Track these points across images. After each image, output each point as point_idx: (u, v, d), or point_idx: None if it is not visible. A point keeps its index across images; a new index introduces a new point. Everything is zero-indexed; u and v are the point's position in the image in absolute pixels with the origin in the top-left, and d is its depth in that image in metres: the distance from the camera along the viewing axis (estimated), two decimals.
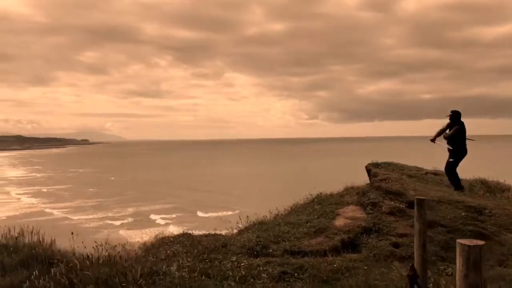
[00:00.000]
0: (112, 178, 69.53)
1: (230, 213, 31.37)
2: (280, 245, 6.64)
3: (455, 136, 9.88)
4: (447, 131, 10.10)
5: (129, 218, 35.56)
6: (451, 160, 10.00)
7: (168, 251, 6.73)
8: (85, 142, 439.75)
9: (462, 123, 10.03)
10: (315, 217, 7.63)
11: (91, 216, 37.26)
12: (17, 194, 52.72)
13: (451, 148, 9.94)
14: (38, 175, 77.37)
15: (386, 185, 8.23)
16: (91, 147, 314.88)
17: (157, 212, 37.31)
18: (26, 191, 54.78)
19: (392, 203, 7.61)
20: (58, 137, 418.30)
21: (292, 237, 6.94)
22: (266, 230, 7.37)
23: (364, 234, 6.88)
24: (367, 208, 7.65)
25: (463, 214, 7.41)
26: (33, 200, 47.59)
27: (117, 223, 34.01)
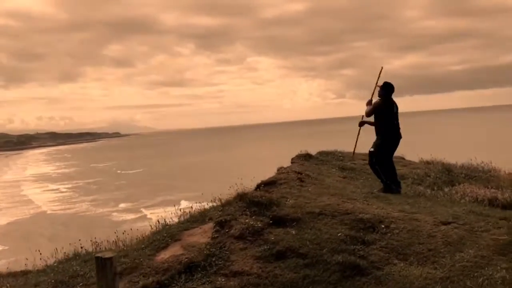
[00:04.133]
0: (141, 169, 69.46)
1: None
2: None
3: (378, 115, 7.64)
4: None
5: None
6: (370, 149, 7.79)
7: None
8: (116, 134, 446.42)
9: (390, 100, 7.78)
10: (143, 246, 5.55)
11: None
12: (55, 188, 54.17)
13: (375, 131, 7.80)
14: (72, 169, 78.97)
15: (256, 193, 6.07)
16: (122, 139, 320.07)
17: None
18: (64, 185, 56.66)
19: (249, 220, 5.48)
20: (90, 131, 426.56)
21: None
22: None
23: (184, 275, 4.79)
24: (214, 230, 5.54)
25: (342, 234, 5.21)
26: (66, 194, 48.79)
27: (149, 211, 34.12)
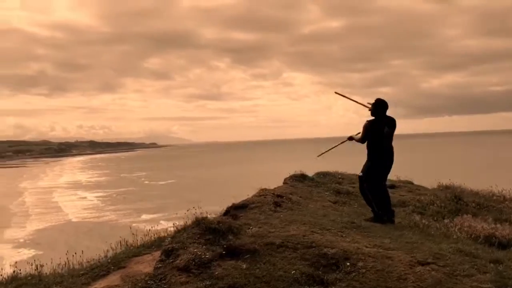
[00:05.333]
0: (170, 181, 69.93)
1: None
2: None
3: (369, 136, 6.91)
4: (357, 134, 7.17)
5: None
6: (359, 174, 7.07)
7: None
8: (153, 145, 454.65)
9: (388, 117, 7.03)
10: (82, 272, 5.08)
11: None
12: (83, 196, 55.70)
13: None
14: (106, 178, 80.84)
15: (213, 219, 5.52)
16: (157, 150, 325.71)
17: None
18: (93, 193, 58.21)
19: (198, 250, 4.92)
20: (127, 141, 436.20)
21: None
22: None
23: None
24: (159, 259, 5.01)
25: (296, 272, 4.58)
26: (93, 202, 49.77)
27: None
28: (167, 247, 5.09)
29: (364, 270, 4.69)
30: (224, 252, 4.96)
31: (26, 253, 28.63)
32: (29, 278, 4.81)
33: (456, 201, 8.99)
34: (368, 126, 6.84)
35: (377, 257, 4.93)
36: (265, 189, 7.39)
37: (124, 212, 43.88)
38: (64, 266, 5.64)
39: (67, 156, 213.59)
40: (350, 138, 7.28)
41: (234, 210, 6.22)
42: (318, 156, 7.85)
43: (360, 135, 7.08)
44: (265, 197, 6.73)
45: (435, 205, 8.54)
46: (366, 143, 6.99)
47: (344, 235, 5.56)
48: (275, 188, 8.01)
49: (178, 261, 4.83)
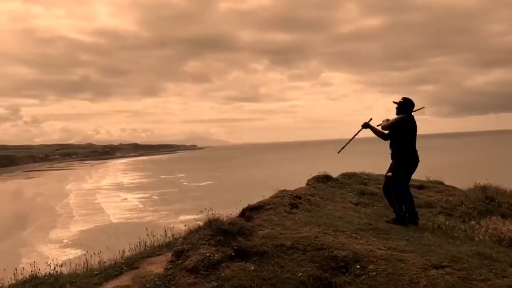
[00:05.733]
0: (208, 182, 70.82)
1: None
2: None
3: (397, 131, 6.69)
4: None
5: None
6: (389, 174, 6.86)
7: None
8: (193, 147, 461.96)
9: (412, 118, 6.84)
10: (96, 272, 5.22)
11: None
12: (125, 198, 57.93)
13: (391, 152, 6.82)
14: (147, 180, 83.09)
15: (225, 221, 5.54)
16: (196, 152, 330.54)
17: None
18: (134, 195, 60.05)
19: (208, 251, 4.95)
20: (169, 143, 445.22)
21: None
22: None
23: None
24: (169, 260, 5.08)
25: (304, 275, 4.53)
26: (133, 204, 51.30)
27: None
28: (178, 248, 5.16)
29: (374, 273, 4.58)
30: (233, 254, 4.97)
31: (68, 253, 29.71)
32: (46, 277, 5.00)
33: (487, 202, 8.61)
34: (408, 122, 6.61)
35: (390, 259, 4.80)
36: (284, 190, 7.34)
37: (163, 214, 44.78)
38: (83, 266, 5.82)
39: (111, 158, 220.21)
40: (365, 126, 7.00)
41: (250, 211, 6.22)
42: (338, 152, 7.69)
43: (381, 126, 6.86)
44: (282, 199, 6.69)
45: (463, 206, 8.21)
46: (395, 142, 6.71)
47: (358, 237, 5.45)
48: (295, 189, 7.95)
49: (187, 262, 4.89)
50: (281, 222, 5.80)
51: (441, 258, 4.83)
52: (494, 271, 4.57)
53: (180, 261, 4.94)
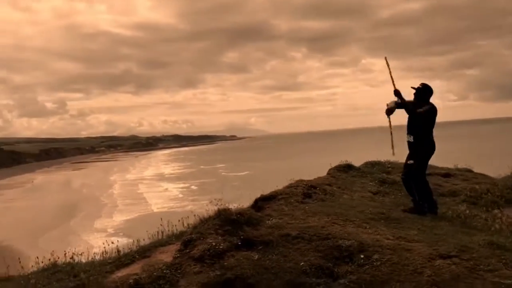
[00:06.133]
0: (246, 172, 71.52)
1: None
2: None
3: (423, 120, 6.51)
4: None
5: None
6: (410, 162, 6.70)
7: None
8: (233, 137, 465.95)
9: (433, 105, 6.66)
10: (109, 261, 5.45)
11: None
12: (166, 188, 59.62)
13: (411, 140, 6.66)
14: (188, 170, 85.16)
15: (232, 211, 5.63)
16: (236, 142, 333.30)
17: None
18: (174, 185, 61.96)
19: (214, 241, 5.07)
20: (209, 133, 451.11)
21: None
22: None
23: None
24: (178, 249, 5.23)
25: (306, 264, 4.56)
26: (174, 193, 52.91)
27: None
28: (186, 237, 5.31)
29: (378, 263, 4.55)
30: (239, 243, 5.06)
31: (110, 242, 30.81)
32: (64, 266, 5.28)
33: None
34: (433, 111, 6.46)
35: (396, 249, 4.75)
36: (300, 180, 7.35)
37: (202, 203, 45.58)
38: (101, 255, 6.08)
39: (154, 150, 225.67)
40: (389, 111, 6.79)
41: (262, 201, 6.29)
42: (393, 154, 7.55)
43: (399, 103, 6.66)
44: (295, 188, 6.71)
45: (489, 194, 7.94)
46: (416, 129, 6.51)
47: (367, 227, 5.41)
48: (314, 179, 7.93)
49: (194, 251, 5.03)
50: (290, 212, 5.84)
51: (450, 248, 4.74)
52: (504, 261, 4.44)
53: (188, 250, 5.08)
